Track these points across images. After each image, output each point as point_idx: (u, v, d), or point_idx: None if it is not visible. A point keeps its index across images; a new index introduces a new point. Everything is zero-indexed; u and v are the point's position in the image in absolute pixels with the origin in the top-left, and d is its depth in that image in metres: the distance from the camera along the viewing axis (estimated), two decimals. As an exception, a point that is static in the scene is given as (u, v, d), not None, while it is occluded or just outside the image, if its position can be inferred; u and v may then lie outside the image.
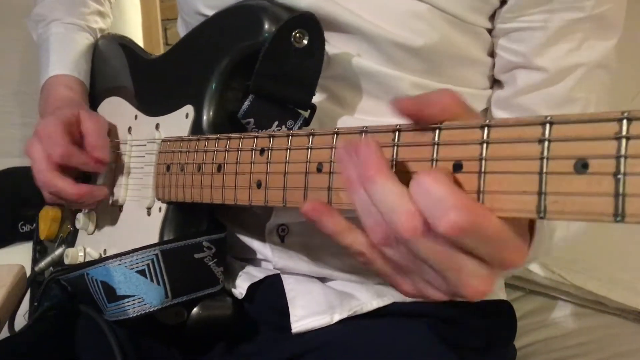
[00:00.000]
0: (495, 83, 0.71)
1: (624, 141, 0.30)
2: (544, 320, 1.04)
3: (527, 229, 0.42)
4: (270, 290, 0.70)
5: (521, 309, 1.04)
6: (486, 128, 0.36)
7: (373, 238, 0.39)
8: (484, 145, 0.36)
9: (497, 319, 0.76)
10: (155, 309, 0.60)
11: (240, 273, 0.71)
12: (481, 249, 0.35)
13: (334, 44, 0.64)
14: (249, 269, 0.73)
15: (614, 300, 1.00)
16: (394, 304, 0.68)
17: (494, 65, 0.69)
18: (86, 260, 0.76)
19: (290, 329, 0.67)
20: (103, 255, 0.75)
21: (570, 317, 1.04)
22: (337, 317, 0.67)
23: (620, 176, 0.30)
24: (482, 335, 0.72)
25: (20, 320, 0.73)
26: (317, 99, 0.64)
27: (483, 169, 0.36)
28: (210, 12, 0.69)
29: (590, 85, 0.65)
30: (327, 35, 0.63)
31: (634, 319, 1.00)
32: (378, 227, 0.38)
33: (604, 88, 0.67)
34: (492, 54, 0.68)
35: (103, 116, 0.75)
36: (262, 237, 0.71)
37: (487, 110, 0.71)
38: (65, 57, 0.83)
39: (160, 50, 1.52)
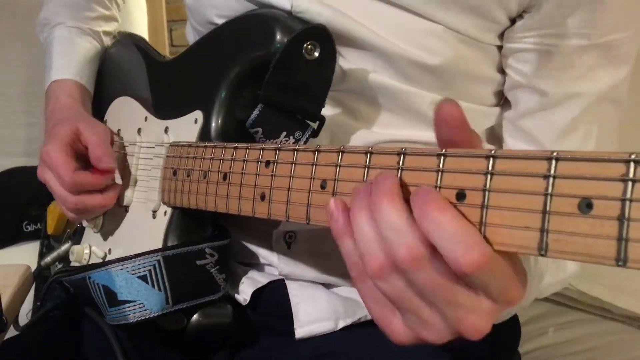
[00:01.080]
0: (504, 102, 0.70)
1: (630, 184, 0.29)
2: (549, 326, 1.03)
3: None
4: (274, 296, 0.70)
5: (526, 315, 1.03)
6: (491, 159, 0.36)
7: (368, 269, 0.38)
8: (489, 176, 0.35)
9: (502, 327, 0.75)
10: (156, 315, 0.60)
11: (243, 279, 0.71)
12: (491, 286, 0.35)
13: (349, 59, 0.64)
14: (253, 274, 0.72)
15: (619, 307, 1.00)
16: None
17: (503, 81, 0.68)
18: (91, 258, 0.77)
19: (294, 335, 0.67)
20: (108, 255, 0.75)
21: (576, 323, 1.03)
22: (341, 324, 0.67)
23: (624, 220, 0.29)
24: (487, 344, 0.71)
25: (24, 320, 0.74)
26: (331, 112, 0.64)
27: (486, 201, 0.35)
28: (221, 22, 0.69)
29: (593, 117, 0.64)
30: (343, 50, 0.62)
31: (640, 326, 1.00)
32: (374, 257, 0.38)
33: (609, 121, 0.66)
34: (501, 71, 0.68)
35: (104, 125, 0.76)
36: (268, 244, 0.71)
37: (493, 128, 0.71)
38: (67, 62, 0.84)
39: (165, 51, 1.52)
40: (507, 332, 0.77)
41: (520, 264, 0.38)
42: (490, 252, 0.34)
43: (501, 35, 0.64)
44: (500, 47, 0.66)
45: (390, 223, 0.37)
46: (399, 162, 0.41)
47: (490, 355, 0.71)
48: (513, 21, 0.63)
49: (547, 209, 0.32)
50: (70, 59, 0.84)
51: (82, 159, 0.72)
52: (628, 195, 0.29)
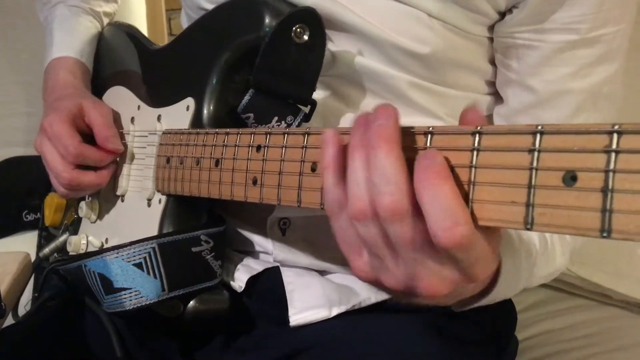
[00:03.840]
0: (497, 95, 0.70)
1: (613, 155, 0.29)
2: (549, 312, 1.03)
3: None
4: (269, 284, 0.70)
5: (526, 301, 1.03)
6: (477, 135, 0.36)
7: (351, 209, 0.38)
8: (475, 152, 0.36)
9: (497, 312, 0.76)
10: (152, 302, 0.60)
11: (239, 266, 0.71)
12: (462, 263, 0.36)
13: (337, 43, 0.63)
14: (248, 261, 0.73)
15: (619, 293, 0.99)
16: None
17: (495, 72, 0.68)
18: (88, 248, 0.77)
19: (289, 322, 0.67)
20: (105, 244, 0.75)
21: (575, 309, 1.03)
22: (335, 311, 0.67)
23: (608, 191, 0.29)
24: (482, 328, 0.72)
25: (23, 311, 0.74)
26: (320, 95, 0.64)
27: (473, 177, 0.35)
28: (211, 7, 0.69)
29: (589, 114, 0.63)
30: (331, 33, 0.62)
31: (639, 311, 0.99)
32: (359, 198, 0.38)
33: (607, 119, 0.65)
34: (493, 62, 0.68)
35: (106, 104, 0.75)
36: (263, 230, 0.71)
37: (488, 117, 0.70)
38: (68, 40, 0.83)
39: (164, 40, 1.51)
40: (503, 317, 0.77)
41: (497, 244, 0.38)
42: (473, 234, 0.34)
43: (491, 28, 0.64)
44: (492, 39, 0.65)
45: (383, 170, 0.36)
46: (387, 142, 0.41)
47: (486, 340, 0.72)
48: (503, 15, 0.62)
49: (533, 183, 0.33)
50: (71, 37, 0.84)
51: (83, 137, 0.71)
52: (611, 166, 0.29)
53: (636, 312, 0.99)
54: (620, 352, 0.90)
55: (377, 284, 0.41)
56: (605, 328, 0.96)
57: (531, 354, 0.92)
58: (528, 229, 0.33)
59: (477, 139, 0.36)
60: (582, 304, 1.03)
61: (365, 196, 0.37)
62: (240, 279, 0.70)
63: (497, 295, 0.50)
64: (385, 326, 0.66)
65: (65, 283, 0.73)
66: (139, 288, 0.60)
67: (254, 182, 0.52)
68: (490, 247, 0.37)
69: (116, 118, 0.78)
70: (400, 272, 0.39)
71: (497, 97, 0.70)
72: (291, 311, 0.67)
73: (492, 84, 0.69)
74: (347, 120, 0.66)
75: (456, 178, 0.36)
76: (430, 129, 0.38)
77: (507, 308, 0.77)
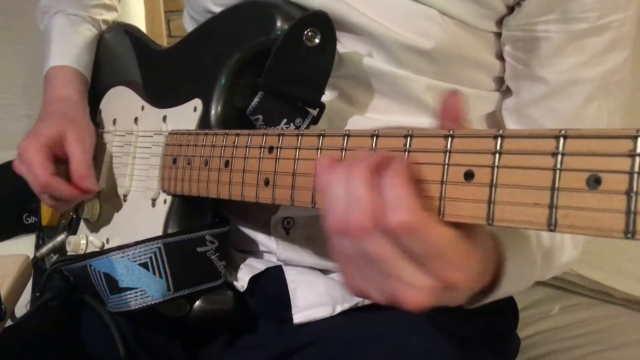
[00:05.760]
0: (506, 89, 0.71)
1: (637, 159, 0.30)
2: (550, 310, 1.04)
3: (492, 255, 0.46)
4: (272, 282, 0.70)
5: (527, 299, 1.04)
6: (499, 138, 0.36)
7: (329, 225, 0.42)
8: (497, 155, 0.36)
9: (500, 311, 0.76)
10: (157, 301, 0.60)
11: (241, 265, 0.71)
12: (421, 254, 0.38)
13: (345, 44, 0.64)
14: (250, 260, 0.73)
15: (620, 291, 1.00)
16: None
17: (501, 68, 0.69)
18: (88, 248, 0.77)
19: (291, 320, 0.67)
20: (106, 244, 0.75)
21: (576, 307, 1.04)
22: (339, 309, 0.68)
23: (632, 193, 0.30)
24: (485, 326, 0.72)
25: (23, 310, 0.74)
26: (327, 97, 0.64)
27: (495, 179, 0.36)
28: (219, 10, 0.69)
29: (602, 103, 0.64)
30: (338, 34, 0.62)
31: (640, 309, 1.01)
32: (337, 216, 0.41)
33: (618, 106, 0.66)
34: (500, 57, 0.68)
35: (91, 134, 0.76)
36: (266, 230, 0.71)
37: (493, 114, 0.71)
38: (65, 49, 0.84)
39: (163, 41, 1.51)
40: (504, 315, 0.77)
41: (481, 252, 0.40)
42: (417, 219, 0.37)
43: (499, 22, 0.65)
44: (499, 34, 0.66)
45: (354, 190, 0.40)
46: (405, 145, 0.42)
47: (488, 339, 0.72)
48: (511, 9, 0.63)
49: (556, 185, 0.33)
50: (68, 46, 0.84)
51: (60, 162, 0.72)
52: (636, 169, 0.30)
53: (637, 310, 1.00)
54: (621, 349, 0.91)
55: (366, 297, 0.44)
56: (606, 326, 0.97)
57: (532, 352, 0.93)
58: (551, 230, 0.33)
59: (498, 142, 0.36)
60: (583, 302, 1.04)
61: (342, 212, 0.41)
62: (242, 279, 0.70)
63: (508, 290, 0.52)
64: (387, 323, 0.67)
65: (66, 283, 0.73)
66: (144, 288, 0.60)
67: (266, 183, 0.52)
68: (461, 248, 0.39)
69: (118, 120, 0.78)
70: (381, 285, 0.41)
71: (503, 93, 0.71)
72: (294, 309, 0.67)
73: (498, 80, 0.70)
74: (353, 121, 0.66)
75: (477, 180, 0.37)
76: (451, 132, 0.39)
77: (509, 306, 0.78)
